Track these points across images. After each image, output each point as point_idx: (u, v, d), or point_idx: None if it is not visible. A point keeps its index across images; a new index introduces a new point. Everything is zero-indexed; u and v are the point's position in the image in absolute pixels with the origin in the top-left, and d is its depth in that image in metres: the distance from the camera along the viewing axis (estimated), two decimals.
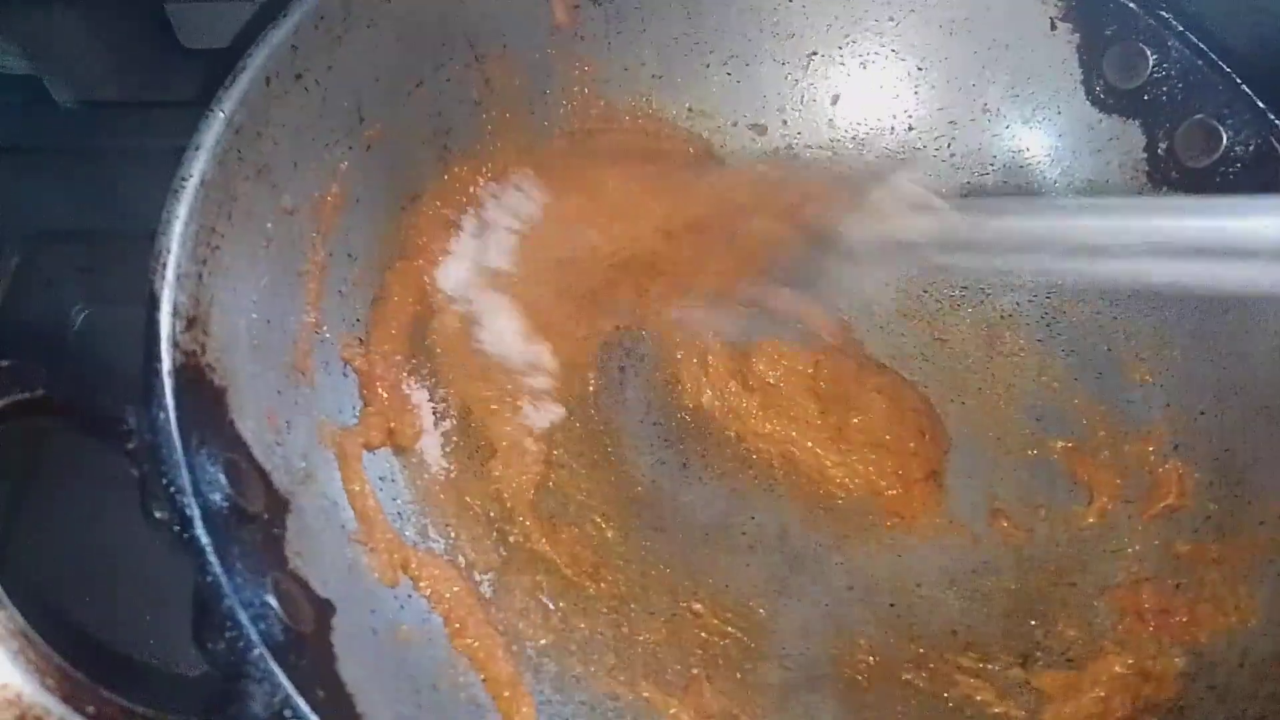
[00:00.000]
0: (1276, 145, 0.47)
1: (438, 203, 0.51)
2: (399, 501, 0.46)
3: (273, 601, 0.35)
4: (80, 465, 0.48)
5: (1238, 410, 0.47)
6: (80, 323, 0.60)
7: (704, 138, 0.57)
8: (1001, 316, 0.55)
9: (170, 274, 0.37)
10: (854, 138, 0.58)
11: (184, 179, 0.38)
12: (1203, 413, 0.49)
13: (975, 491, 0.51)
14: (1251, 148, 0.48)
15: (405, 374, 0.48)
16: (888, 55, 0.56)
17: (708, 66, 0.57)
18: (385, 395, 0.47)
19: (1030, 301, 0.55)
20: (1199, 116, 0.49)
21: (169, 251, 0.37)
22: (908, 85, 0.56)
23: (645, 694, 0.45)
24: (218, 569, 0.34)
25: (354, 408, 0.46)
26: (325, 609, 0.39)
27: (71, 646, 0.28)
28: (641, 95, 0.57)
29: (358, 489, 0.44)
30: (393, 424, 0.47)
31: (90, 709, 0.26)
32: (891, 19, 0.55)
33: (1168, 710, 0.43)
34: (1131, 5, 0.50)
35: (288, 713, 0.33)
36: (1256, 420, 0.47)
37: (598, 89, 0.56)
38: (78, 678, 0.26)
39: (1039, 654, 0.48)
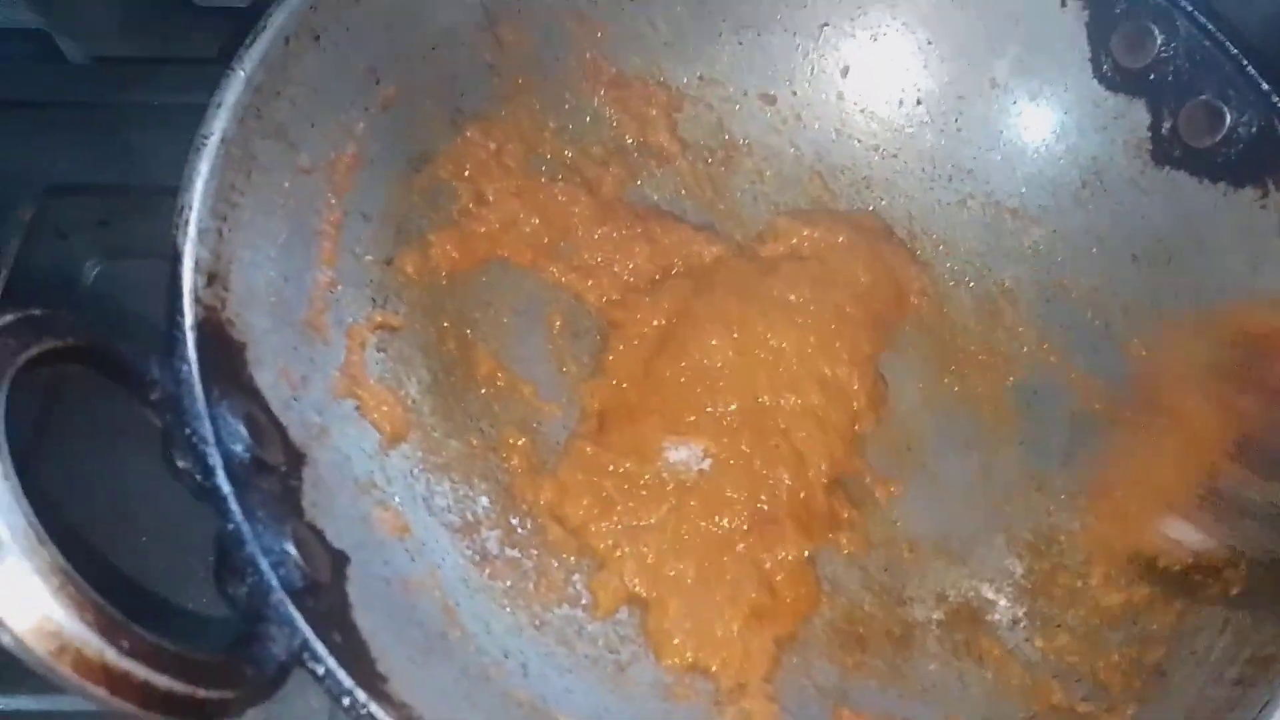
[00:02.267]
0: (1279, 126, 0.48)
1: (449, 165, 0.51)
2: None
3: (291, 549, 0.37)
4: (94, 412, 0.49)
5: None
6: (94, 277, 0.61)
7: None
8: (1002, 291, 0.56)
9: (193, 229, 0.38)
10: (862, 110, 0.58)
11: (205, 136, 0.39)
12: None
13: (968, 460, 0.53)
14: (1255, 129, 0.48)
15: None
16: (899, 28, 0.56)
17: (719, 35, 0.57)
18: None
19: (1031, 277, 0.56)
20: (1204, 97, 0.50)
21: (191, 207, 0.38)
22: (917, 59, 0.57)
23: None
24: (239, 517, 0.35)
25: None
26: (340, 559, 0.40)
27: (100, 586, 0.29)
28: (652, 62, 0.57)
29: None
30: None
31: (124, 643, 0.27)
32: None
33: None
34: None
35: (306, 655, 0.35)
36: None
37: (610, 55, 0.56)
38: (113, 613, 0.27)
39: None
